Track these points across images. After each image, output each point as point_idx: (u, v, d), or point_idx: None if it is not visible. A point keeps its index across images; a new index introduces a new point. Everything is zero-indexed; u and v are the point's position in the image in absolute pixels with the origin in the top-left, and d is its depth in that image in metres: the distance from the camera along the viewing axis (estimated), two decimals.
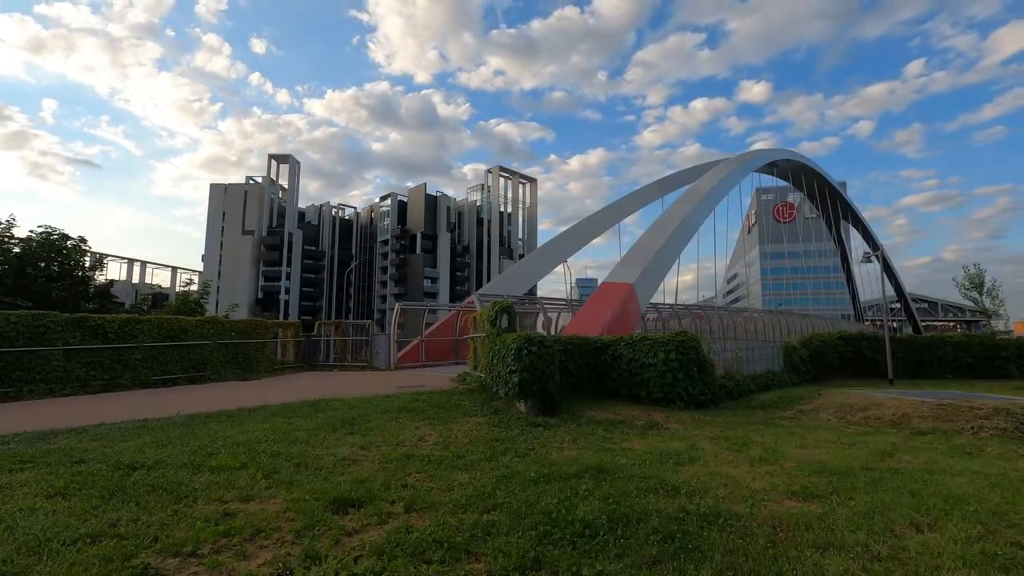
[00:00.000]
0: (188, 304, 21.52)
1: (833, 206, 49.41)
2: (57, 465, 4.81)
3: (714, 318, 17.61)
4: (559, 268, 27.86)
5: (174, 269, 73.49)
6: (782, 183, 45.35)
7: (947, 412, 8.65)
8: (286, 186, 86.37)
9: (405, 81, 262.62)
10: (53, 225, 20.32)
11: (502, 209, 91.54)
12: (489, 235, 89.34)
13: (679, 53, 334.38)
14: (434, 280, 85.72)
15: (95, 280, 23.06)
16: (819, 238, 62.76)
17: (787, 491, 4.53)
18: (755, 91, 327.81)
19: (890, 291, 55.59)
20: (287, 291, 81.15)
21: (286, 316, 74.60)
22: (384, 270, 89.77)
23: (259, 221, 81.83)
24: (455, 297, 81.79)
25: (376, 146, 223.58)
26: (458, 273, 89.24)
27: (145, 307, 24.55)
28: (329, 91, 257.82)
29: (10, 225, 19.56)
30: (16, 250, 19.34)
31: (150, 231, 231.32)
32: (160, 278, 72.76)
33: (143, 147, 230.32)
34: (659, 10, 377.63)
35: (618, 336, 11.39)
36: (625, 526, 3.59)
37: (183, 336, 13.28)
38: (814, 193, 45.97)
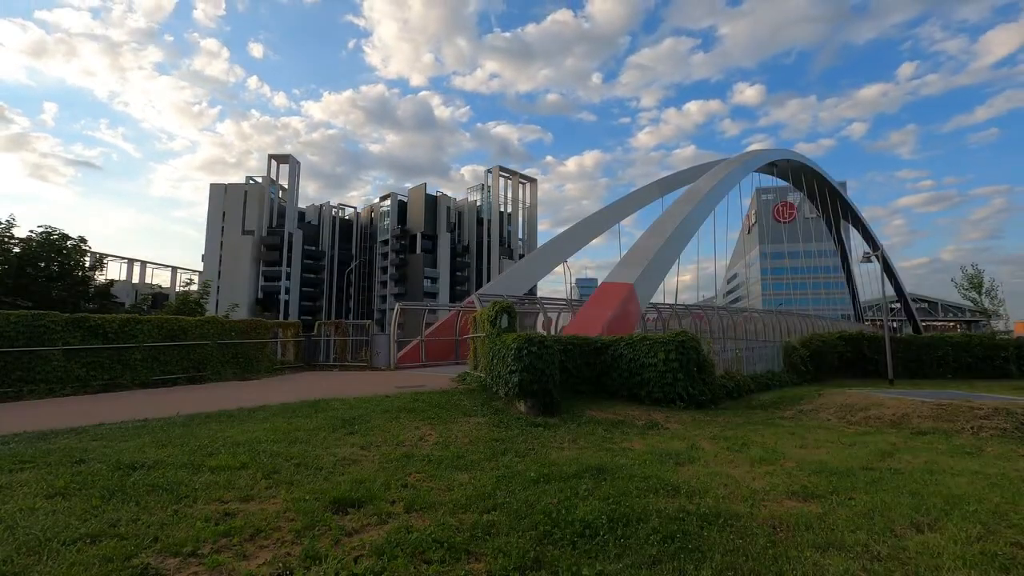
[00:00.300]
0: (188, 304, 21.51)
1: (833, 206, 49.41)
2: (57, 465, 4.81)
3: (714, 318, 17.60)
4: (559, 268, 27.91)
5: (174, 269, 73.55)
6: (782, 183, 45.36)
7: (947, 412, 8.65)
8: (286, 186, 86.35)
9: (401, 84, 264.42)
10: (53, 225, 20.36)
11: (502, 209, 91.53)
12: (489, 235, 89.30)
13: (673, 56, 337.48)
14: (434, 280, 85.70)
15: (95, 280, 23.06)
16: (819, 238, 62.80)
17: (787, 491, 4.53)
18: (748, 94, 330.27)
19: (890, 291, 55.59)
20: (287, 291, 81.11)
21: (286, 316, 74.57)
22: (384, 270, 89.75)
23: (259, 221, 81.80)
24: (455, 297, 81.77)
25: (374, 148, 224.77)
26: (458, 273, 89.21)
27: (145, 307, 24.55)
28: (326, 94, 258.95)
29: (10, 225, 19.57)
30: (16, 250, 19.35)
31: (150, 232, 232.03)
32: (160, 278, 72.88)
33: (142, 149, 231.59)
34: (652, 14, 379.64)
35: (618, 336, 11.38)
36: (625, 526, 3.59)
37: (183, 336, 13.28)
38: (814, 193, 45.97)
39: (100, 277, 25.65)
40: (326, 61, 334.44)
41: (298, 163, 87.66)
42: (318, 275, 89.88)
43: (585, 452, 6.01)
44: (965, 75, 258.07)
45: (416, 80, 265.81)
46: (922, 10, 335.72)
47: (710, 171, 28.26)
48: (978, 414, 8.32)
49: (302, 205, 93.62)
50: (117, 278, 48.15)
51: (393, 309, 19.77)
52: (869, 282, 59.04)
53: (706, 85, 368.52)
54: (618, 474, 4.91)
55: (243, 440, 5.95)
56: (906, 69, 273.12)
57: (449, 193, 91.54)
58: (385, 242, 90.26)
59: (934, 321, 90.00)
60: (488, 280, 78.14)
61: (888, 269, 50.96)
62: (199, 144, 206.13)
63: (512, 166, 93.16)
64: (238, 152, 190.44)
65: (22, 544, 3.11)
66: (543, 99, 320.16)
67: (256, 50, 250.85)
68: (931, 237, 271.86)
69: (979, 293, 39.61)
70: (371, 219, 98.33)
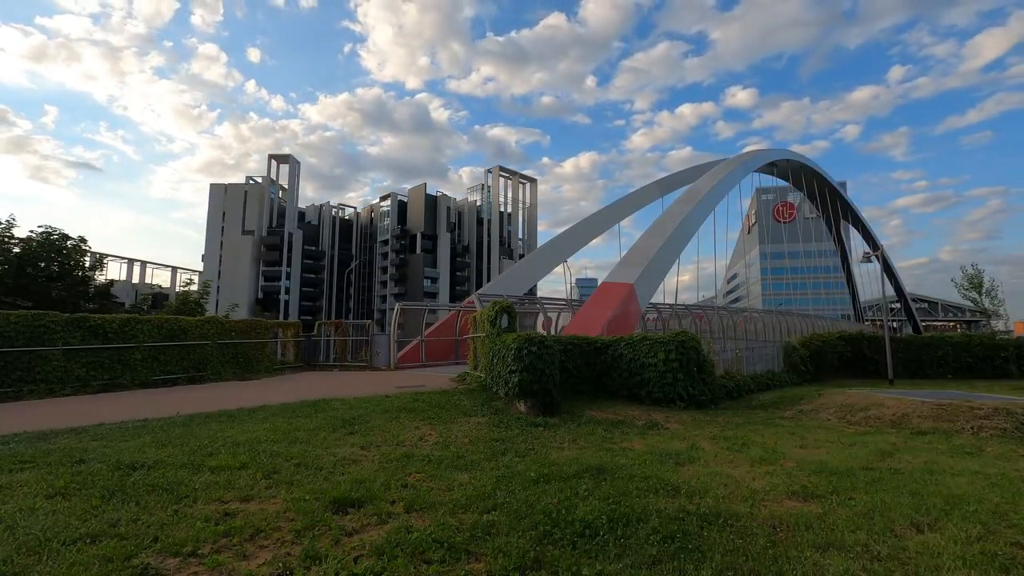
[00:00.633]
0: (188, 304, 21.51)
1: (833, 206, 49.39)
2: (57, 465, 4.81)
3: (714, 318, 17.60)
4: (559, 268, 27.90)
5: (174, 269, 73.45)
6: (782, 183, 45.34)
7: (947, 412, 8.65)
8: (286, 186, 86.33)
9: (396, 87, 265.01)
10: (54, 226, 20.36)
11: (502, 209, 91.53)
12: (489, 235, 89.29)
13: (665, 60, 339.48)
14: (434, 280, 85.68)
15: (95, 280, 23.07)
16: (819, 238, 62.80)
17: (787, 491, 4.53)
18: (740, 97, 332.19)
19: (890, 291, 55.60)
20: (287, 291, 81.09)
21: (286, 316, 74.56)
22: (384, 270, 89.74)
23: (259, 221, 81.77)
24: (455, 297, 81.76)
25: (372, 150, 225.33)
26: (458, 273, 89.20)
27: (145, 307, 24.53)
28: (323, 97, 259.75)
29: (10, 225, 19.57)
30: (16, 250, 19.35)
31: (150, 232, 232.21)
32: (160, 278, 72.75)
33: (142, 151, 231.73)
34: (644, 19, 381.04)
35: (618, 336, 11.38)
36: (625, 526, 3.58)
37: (183, 336, 13.28)
38: (814, 193, 45.96)
39: (100, 277, 25.65)
40: (322, 65, 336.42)
41: (298, 163, 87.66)
42: (318, 275, 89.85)
43: (585, 452, 6.01)
44: (955, 77, 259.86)
45: (412, 83, 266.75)
46: (911, 15, 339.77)
47: (710, 171, 28.25)
48: (978, 414, 8.32)
49: (302, 205, 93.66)
50: (117, 278, 48.15)
51: (393, 309, 19.77)
52: (869, 282, 59.15)
53: (699, 88, 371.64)
54: (618, 474, 4.91)
55: (243, 440, 5.95)
56: (896, 72, 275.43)
57: (449, 193, 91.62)
58: (385, 242, 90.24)
59: (934, 321, 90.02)
60: (488, 280, 78.13)
61: (888, 269, 50.99)
62: (198, 146, 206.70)
63: (510, 167, 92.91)
64: (237, 154, 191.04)
65: (22, 544, 3.11)
66: (538, 102, 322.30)
67: (254, 55, 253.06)
68: (929, 237, 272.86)
69: (979, 293, 39.58)
70: (371, 219, 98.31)
